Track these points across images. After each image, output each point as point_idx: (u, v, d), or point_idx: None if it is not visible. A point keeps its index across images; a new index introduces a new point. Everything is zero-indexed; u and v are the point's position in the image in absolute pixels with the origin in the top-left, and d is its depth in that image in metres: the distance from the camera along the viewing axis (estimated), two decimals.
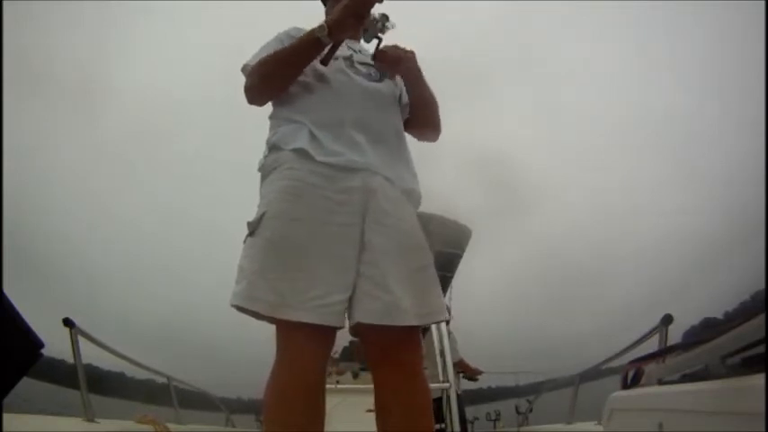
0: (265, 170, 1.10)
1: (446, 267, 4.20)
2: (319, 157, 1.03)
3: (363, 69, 1.24)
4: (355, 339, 1.12)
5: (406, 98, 1.30)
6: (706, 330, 0.92)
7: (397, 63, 1.21)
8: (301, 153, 1.04)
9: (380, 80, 1.26)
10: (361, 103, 1.15)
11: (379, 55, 1.21)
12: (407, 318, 0.97)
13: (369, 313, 0.96)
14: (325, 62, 1.11)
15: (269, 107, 1.23)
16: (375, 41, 1.21)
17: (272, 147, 1.10)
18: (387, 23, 1.19)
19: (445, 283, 4.40)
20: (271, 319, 0.95)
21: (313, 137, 1.07)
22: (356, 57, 1.25)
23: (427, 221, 3.59)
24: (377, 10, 1.13)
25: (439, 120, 1.33)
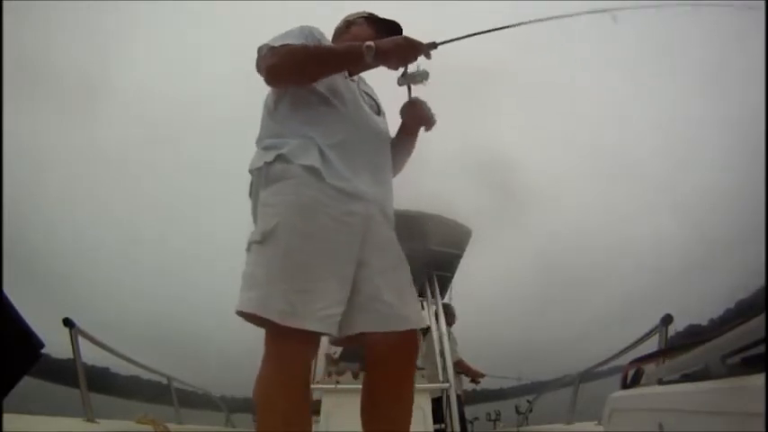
0: (270, 177, 1.11)
1: (446, 268, 4.19)
2: (329, 180, 1.10)
3: (367, 99, 1.32)
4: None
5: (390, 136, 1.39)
6: (690, 337, 0.93)
7: (424, 123, 1.32)
8: (313, 171, 1.09)
9: (379, 114, 1.34)
10: (367, 132, 1.23)
11: (413, 107, 1.30)
12: (409, 322, 1.11)
13: (371, 323, 1.08)
14: (351, 73, 1.20)
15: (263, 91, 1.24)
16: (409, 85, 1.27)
17: (280, 157, 1.11)
18: (424, 81, 1.26)
19: (445, 283, 4.39)
20: (263, 325, 1.01)
21: (323, 157, 1.12)
22: (361, 84, 1.34)
23: (427, 222, 3.58)
24: (422, 63, 1.21)
25: (404, 166, 1.44)
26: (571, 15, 1.26)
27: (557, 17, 1.26)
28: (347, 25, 1.40)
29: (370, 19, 1.39)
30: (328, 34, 1.35)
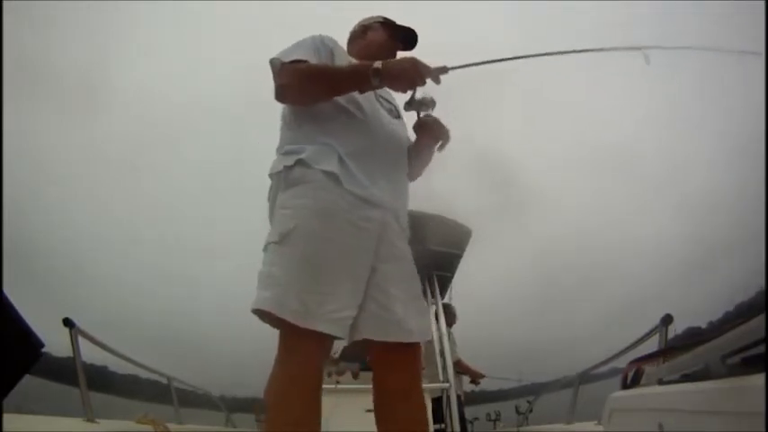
0: (289, 180, 1.12)
1: (446, 268, 4.19)
2: (347, 185, 1.11)
3: (385, 104, 1.31)
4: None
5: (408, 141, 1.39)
6: (690, 338, 0.93)
7: (438, 139, 1.31)
8: (332, 176, 1.10)
9: (398, 117, 1.34)
10: (385, 139, 1.23)
11: (425, 126, 1.29)
12: (412, 336, 1.12)
13: (376, 331, 1.09)
14: (362, 90, 1.19)
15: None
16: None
17: (300, 162, 1.13)
18: (430, 110, 1.27)
19: (445, 283, 4.39)
20: (278, 324, 1.02)
21: (342, 163, 1.13)
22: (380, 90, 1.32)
23: (427, 221, 3.58)
24: (429, 91, 1.22)
25: (421, 174, 1.44)
26: (603, 50, 1.25)
27: (588, 50, 1.26)
28: (363, 30, 1.40)
29: (386, 24, 1.40)
30: (328, 33, 1.33)
